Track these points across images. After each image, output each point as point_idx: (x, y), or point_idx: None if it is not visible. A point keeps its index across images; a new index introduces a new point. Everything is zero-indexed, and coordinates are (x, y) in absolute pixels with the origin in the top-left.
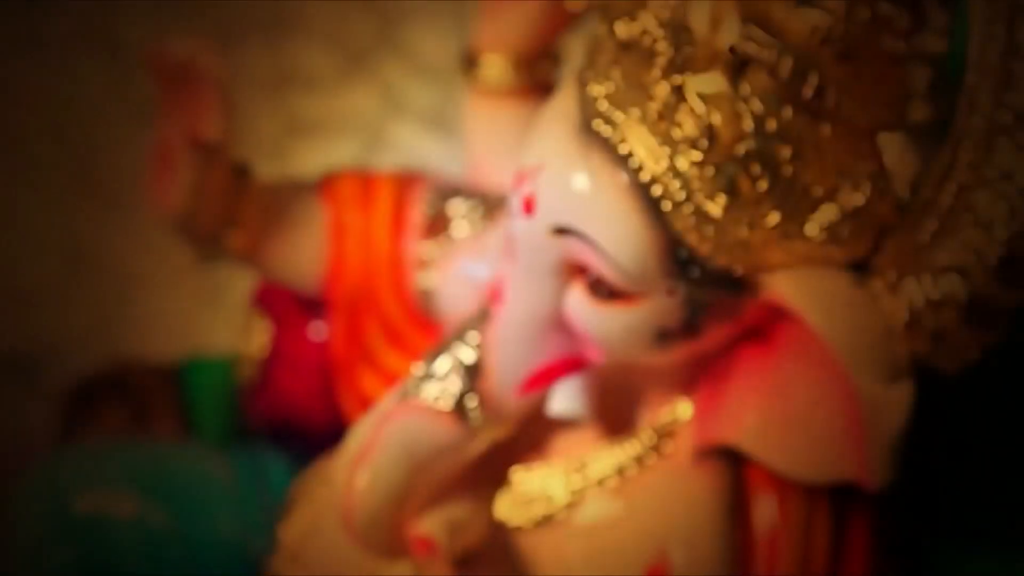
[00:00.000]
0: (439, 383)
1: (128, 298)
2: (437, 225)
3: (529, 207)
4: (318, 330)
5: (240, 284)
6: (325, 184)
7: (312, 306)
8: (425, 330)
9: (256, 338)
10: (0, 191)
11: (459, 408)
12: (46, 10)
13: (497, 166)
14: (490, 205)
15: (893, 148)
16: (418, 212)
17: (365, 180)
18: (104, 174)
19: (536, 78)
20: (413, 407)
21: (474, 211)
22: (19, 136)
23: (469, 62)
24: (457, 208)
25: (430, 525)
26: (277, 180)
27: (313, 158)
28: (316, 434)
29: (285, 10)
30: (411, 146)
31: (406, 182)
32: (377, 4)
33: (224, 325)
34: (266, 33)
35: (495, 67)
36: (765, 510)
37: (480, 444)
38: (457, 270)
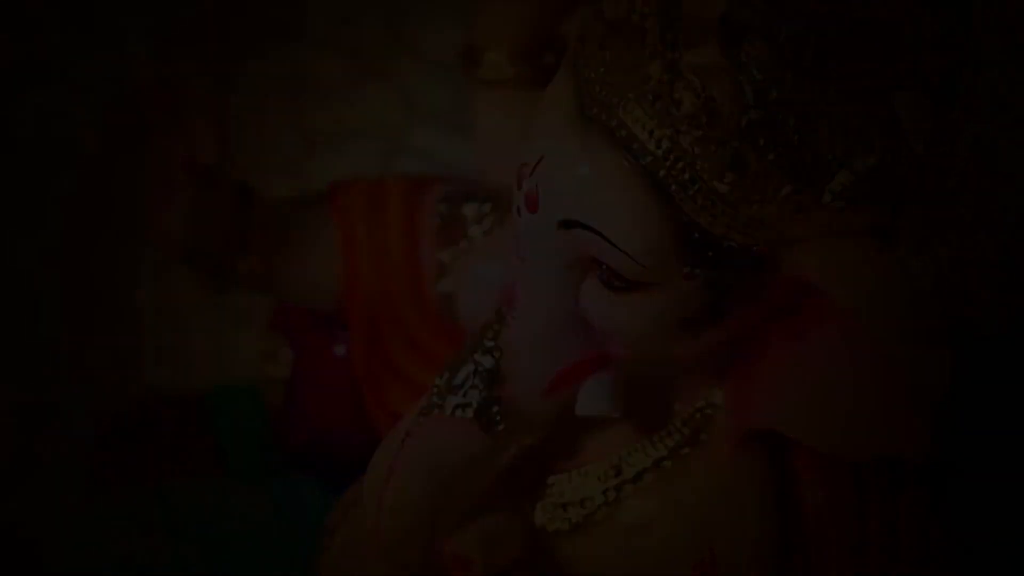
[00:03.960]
0: (460, 393)
1: (150, 332)
2: (452, 229)
3: (533, 203)
4: (341, 347)
5: (264, 306)
6: (333, 197)
7: (333, 323)
8: (448, 338)
9: (280, 360)
10: (11, 232)
11: (483, 417)
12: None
13: (508, 161)
14: (506, 204)
15: (904, 104)
16: (431, 217)
17: (374, 189)
18: (119, 205)
19: (539, 68)
20: (435, 421)
21: (489, 212)
22: (28, 169)
23: (470, 57)
24: (472, 210)
25: (465, 541)
26: (283, 197)
27: (334, 169)
28: (352, 455)
29: (292, 18)
30: (433, 149)
31: (417, 188)
32: (384, 2)
33: (250, 350)
34: (276, 45)
35: (495, 60)
36: (813, 493)
37: (509, 452)
38: (474, 273)
